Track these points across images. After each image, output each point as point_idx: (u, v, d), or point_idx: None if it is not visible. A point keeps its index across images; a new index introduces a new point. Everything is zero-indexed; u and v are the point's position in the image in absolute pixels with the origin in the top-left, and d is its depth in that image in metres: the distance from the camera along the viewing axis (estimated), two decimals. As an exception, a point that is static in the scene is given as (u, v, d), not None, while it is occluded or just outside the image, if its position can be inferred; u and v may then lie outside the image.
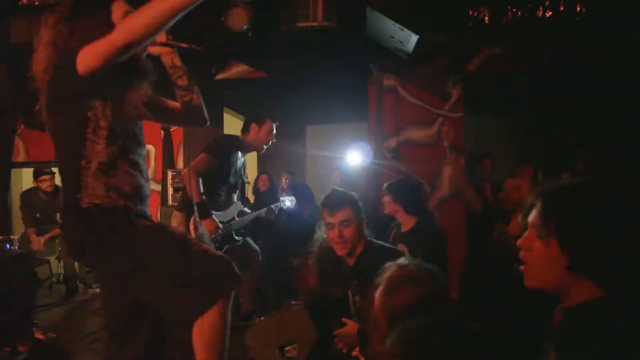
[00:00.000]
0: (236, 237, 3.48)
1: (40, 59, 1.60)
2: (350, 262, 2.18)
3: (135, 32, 1.43)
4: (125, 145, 1.64)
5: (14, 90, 4.57)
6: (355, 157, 4.99)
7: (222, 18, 4.02)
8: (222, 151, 3.33)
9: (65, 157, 1.63)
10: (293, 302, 3.10)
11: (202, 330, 1.61)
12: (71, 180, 1.60)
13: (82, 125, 1.56)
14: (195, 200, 3.08)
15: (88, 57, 1.48)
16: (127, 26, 1.44)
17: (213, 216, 3.21)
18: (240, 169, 3.58)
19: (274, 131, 3.49)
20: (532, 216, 1.06)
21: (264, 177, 5.62)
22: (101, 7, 1.61)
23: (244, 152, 3.58)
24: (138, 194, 1.66)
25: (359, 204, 2.15)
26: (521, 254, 1.08)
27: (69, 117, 1.59)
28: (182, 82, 1.83)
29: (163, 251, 1.60)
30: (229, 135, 3.67)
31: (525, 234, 1.08)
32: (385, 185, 3.17)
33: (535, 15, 4.03)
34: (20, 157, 5.66)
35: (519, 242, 1.08)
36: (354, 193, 2.22)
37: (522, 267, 1.09)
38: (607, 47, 4.09)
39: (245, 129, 3.49)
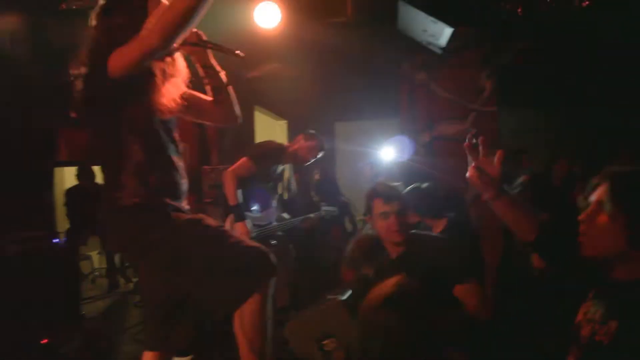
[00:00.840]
0: (272, 242, 3.50)
1: (81, 57, 1.64)
2: (395, 253, 2.15)
3: (165, 31, 1.44)
4: (161, 143, 1.67)
5: (55, 92, 4.76)
6: (389, 152, 4.95)
7: (253, 16, 4.09)
8: (264, 159, 3.34)
9: (103, 156, 1.68)
10: (329, 296, 3.12)
11: (243, 321, 1.64)
12: (110, 179, 1.65)
13: (118, 124, 1.60)
14: (230, 203, 3.13)
15: (119, 63, 1.50)
16: (157, 26, 1.45)
17: (248, 220, 3.23)
18: (279, 174, 3.60)
19: (319, 150, 3.49)
20: (598, 194, 1.19)
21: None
22: (138, 6, 1.62)
23: (286, 162, 3.58)
24: (175, 191, 1.70)
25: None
26: (582, 227, 1.21)
27: (105, 117, 1.63)
28: (215, 81, 1.84)
29: (200, 243, 1.63)
30: (274, 143, 3.62)
31: (589, 209, 1.20)
32: None
33: (572, 4, 3.94)
34: (62, 155, 5.88)
35: (581, 215, 1.21)
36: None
37: (581, 238, 1.21)
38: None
39: (293, 139, 3.52)
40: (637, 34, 3.82)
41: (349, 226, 6.09)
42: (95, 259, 5.62)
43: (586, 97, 4.85)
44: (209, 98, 1.88)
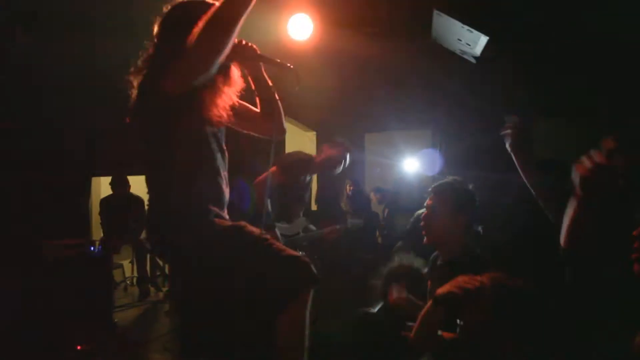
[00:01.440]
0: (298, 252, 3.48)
1: (139, 67, 1.69)
2: (442, 258, 2.15)
3: (208, 54, 1.47)
4: (210, 153, 1.71)
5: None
6: (412, 166, 4.88)
7: (285, 28, 4.12)
8: (293, 169, 3.34)
9: (151, 164, 1.71)
10: (362, 310, 3.07)
11: (282, 329, 1.63)
12: (157, 186, 1.69)
13: (170, 133, 1.64)
14: (259, 211, 3.13)
15: (170, 82, 1.53)
16: (200, 50, 1.46)
17: (276, 229, 3.24)
18: (308, 185, 3.60)
19: (343, 159, 3.47)
20: None
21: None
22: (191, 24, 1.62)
23: (314, 172, 3.58)
24: (219, 199, 1.73)
25: (461, 198, 2.08)
26: (637, 244, 1.09)
27: (157, 126, 1.66)
28: (266, 94, 1.87)
29: (242, 250, 1.63)
30: (302, 154, 3.59)
31: None
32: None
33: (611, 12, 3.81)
34: (98, 165, 6.05)
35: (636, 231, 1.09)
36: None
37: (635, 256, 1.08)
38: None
39: (319, 151, 3.52)
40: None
41: (378, 237, 6.05)
42: (127, 267, 5.71)
43: (621, 106, 4.68)
44: (257, 110, 1.92)
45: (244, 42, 1.77)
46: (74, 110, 4.35)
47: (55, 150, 4.47)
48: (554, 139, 5.23)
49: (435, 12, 3.35)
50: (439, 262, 2.20)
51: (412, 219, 3.27)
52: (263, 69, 1.86)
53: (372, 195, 5.81)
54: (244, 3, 1.43)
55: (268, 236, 1.89)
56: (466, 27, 3.26)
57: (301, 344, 1.65)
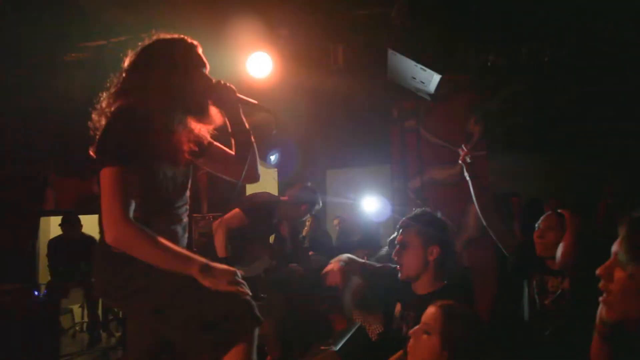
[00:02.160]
0: (261, 295, 3.40)
1: (102, 106, 1.66)
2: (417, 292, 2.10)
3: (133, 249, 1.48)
4: (167, 197, 1.64)
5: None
6: (372, 205, 4.97)
7: (245, 66, 4.18)
8: (256, 212, 3.21)
9: (104, 205, 1.64)
10: (322, 347, 2.99)
11: None
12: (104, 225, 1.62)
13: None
14: (219, 254, 3.03)
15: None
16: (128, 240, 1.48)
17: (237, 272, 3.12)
18: (273, 227, 3.52)
19: (311, 208, 3.44)
20: (615, 245, 1.04)
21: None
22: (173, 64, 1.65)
23: (280, 216, 3.47)
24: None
25: (431, 229, 2.04)
26: (601, 284, 1.05)
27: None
28: (242, 138, 1.81)
29: (182, 291, 1.56)
30: (267, 196, 3.50)
31: (608, 262, 1.05)
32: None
33: (553, 53, 4.08)
34: (49, 204, 5.78)
35: (598, 270, 1.05)
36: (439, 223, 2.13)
37: (601, 298, 1.06)
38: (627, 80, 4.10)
39: (290, 202, 3.41)
40: (619, 76, 3.95)
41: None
42: (76, 312, 5.38)
43: (573, 140, 4.96)
44: (231, 152, 1.85)
45: (222, 82, 1.75)
46: (21, 146, 4.18)
47: (2, 188, 4.25)
48: (510, 172, 5.46)
49: (390, 52, 3.48)
50: (416, 295, 2.13)
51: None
52: (242, 112, 1.81)
53: (334, 222, 5.78)
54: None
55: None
56: (419, 65, 3.40)
57: None
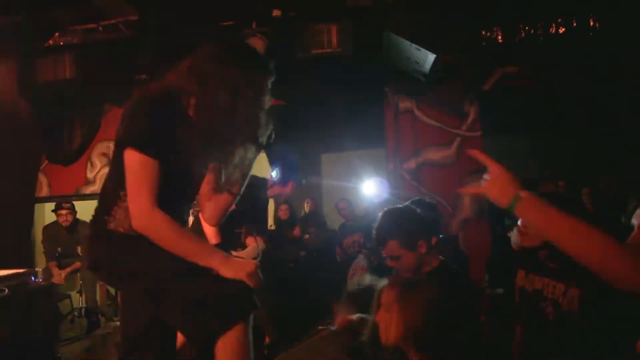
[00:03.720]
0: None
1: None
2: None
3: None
4: (181, 197, 1.65)
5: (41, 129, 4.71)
6: (370, 188, 4.98)
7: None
8: (244, 195, 3.25)
9: (108, 184, 1.64)
10: (320, 327, 3.01)
11: (223, 354, 1.57)
12: (105, 204, 1.61)
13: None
14: (212, 241, 3.03)
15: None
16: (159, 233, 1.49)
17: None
18: (263, 207, 3.51)
19: (296, 186, 3.42)
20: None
21: (284, 206, 5.67)
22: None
23: (268, 196, 3.48)
24: None
25: (410, 231, 2.02)
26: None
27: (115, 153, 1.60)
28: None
29: (179, 272, 1.56)
30: (253, 179, 3.56)
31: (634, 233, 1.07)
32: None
33: (548, 32, 4.06)
34: (43, 191, 5.74)
35: (629, 239, 1.08)
36: (411, 212, 2.10)
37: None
38: (621, 61, 4.10)
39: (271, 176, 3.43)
40: (615, 56, 3.94)
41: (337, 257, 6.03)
42: (74, 298, 5.39)
43: (568, 121, 4.97)
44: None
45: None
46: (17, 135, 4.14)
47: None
48: (502, 153, 5.47)
49: (385, 32, 3.45)
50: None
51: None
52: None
53: (340, 205, 5.78)
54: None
55: None
56: (414, 45, 3.37)
57: None
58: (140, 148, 1.45)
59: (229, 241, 3.19)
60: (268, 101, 1.63)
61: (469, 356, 1.51)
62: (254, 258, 3.36)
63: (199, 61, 1.56)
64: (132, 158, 1.46)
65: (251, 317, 1.61)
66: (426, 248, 2.02)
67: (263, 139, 1.66)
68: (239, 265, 1.54)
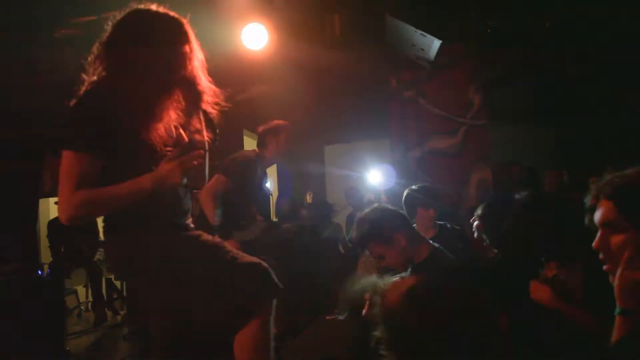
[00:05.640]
0: (261, 258, 3.37)
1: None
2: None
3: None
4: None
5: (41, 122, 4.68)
6: (376, 177, 4.95)
7: (240, 38, 4.08)
8: (238, 171, 3.13)
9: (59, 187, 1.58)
10: (328, 317, 3.00)
11: (244, 342, 1.56)
12: None
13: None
14: (212, 223, 3.00)
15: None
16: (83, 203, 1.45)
17: (233, 239, 3.10)
18: (260, 183, 3.47)
19: (291, 139, 3.36)
20: (604, 214, 1.05)
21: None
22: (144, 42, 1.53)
23: (265, 167, 3.44)
24: (175, 208, 1.63)
25: (380, 228, 2.02)
26: (601, 256, 1.06)
27: None
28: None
29: (197, 260, 1.56)
30: (245, 152, 3.46)
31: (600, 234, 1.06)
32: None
33: (554, 19, 4.00)
34: (47, 185, 5.73)
35: (594, 243, 1.06)
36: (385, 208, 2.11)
37: (606, 267, 1.06)
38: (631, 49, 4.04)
39: (262, 144, 3.32)
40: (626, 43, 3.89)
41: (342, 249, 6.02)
42: (80, 292, 5.40)
43: (575, 109, 4.92)
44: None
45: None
46: (19, 126, 4.12)
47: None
48: (508, 140, 5.42)
49: (389, 18, 3.40)
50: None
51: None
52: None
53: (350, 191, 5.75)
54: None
55: (225, 243, 1.82)
56: (419, 31, 3.32)
57: (266, 357, 1.57)
58: (64, 145, 1.45)
59: (231, 222, 3.15)
60: (195, 59, 1.56)
61: None
62: (257, 237, 3.33)
63: (114, 36, 1.53)
64: (64, 158, 1.45)
65: (274, 303, 1.59)
66: (405, 240, 2.02)
67: (198, 98, 1.60)
68: (166, 169, 1.48)
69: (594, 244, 1.07)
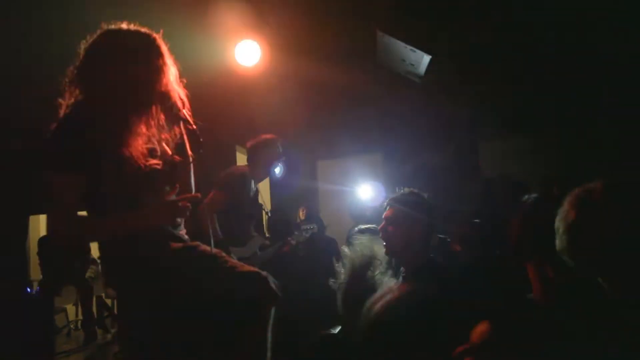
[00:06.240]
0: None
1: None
2: (405, 271, 2.10)
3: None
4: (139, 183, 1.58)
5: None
6: (366, 192, 4.97)
7: (234, 54, 4.13)
8: (234, 186, 3.17)
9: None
10: (322, 332, 2.98)
11: (244, 348, 1.55)
12: (104, 212, 1.59)
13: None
14: (212, 239, 2.99)
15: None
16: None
17: (231, 254, 3.11)
18: (254, 199, 3.49)
19: (279, 149, 3.40)
20: None
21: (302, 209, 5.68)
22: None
23: (257, 180, 3.48)
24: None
25: (421, 211, 2.07)
26: None
27: None
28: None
29: (197, 270, 1.56)
30: (238, 167, 3.52)
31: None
32: None
33: (540, 33, 4.09)
34: (38, 202, 5.69)
35: None
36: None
37: None
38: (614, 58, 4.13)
39: (251, 157, 3.37)
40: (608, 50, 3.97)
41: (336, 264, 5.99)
42: (70, 311, 5.32)
43: (565, 121, 4.99)
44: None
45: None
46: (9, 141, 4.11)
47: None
48: (499, 154, 5.48)
49: (379, 34, 3.46)
50: (402, 274, 2.17)
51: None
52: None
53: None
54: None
55: (222, 253, 1.82)
56: (409, 47, 3.39)
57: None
58: (48, 167, 1.47)
59: (233, 238, 3.16)
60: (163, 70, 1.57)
61: None
62: (254, 253, 3.34)
63: (80, 66, 1.55)
64: (46, 179, 1.47)
65: (272, 311, 1.60)
66: (420, 235, 2.04)
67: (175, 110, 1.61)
68: (160, 209, 1.54)
69: None
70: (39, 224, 5.86)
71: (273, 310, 1.61)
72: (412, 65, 3.70)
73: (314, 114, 5.46)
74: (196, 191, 1.71)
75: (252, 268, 1.68)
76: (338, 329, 2.64)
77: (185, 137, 1.66)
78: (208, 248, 1.68)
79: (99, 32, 1.57)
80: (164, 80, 1.57)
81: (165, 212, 1.53)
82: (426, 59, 3.46)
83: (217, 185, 3.11)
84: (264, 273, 1.63)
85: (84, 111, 1.48)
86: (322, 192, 7.60)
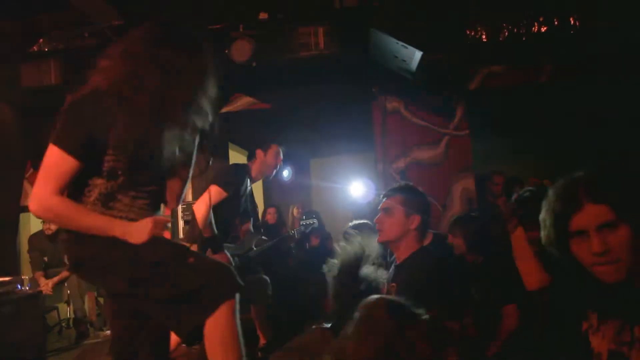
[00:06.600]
0: (257, 268, 3.39)
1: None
2: (398, 259, 2.15)
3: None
4: (126, 182, 1.60)
5: (23, 134, 4.65)
6: (357, 189, 5.00)
7: (226, 51, 4.13)
8: (232, 182, 3.21)
9: (38, 177, 1.60)
10: (314, 325, 3.00)
11: (212, 340, 1.56)
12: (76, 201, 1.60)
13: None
14: (206, 235, 3.01)
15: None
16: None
17: (225, 250, 3.12)
18: (249, 196, 3.51)
19: (281, 154, 3.45)
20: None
21: (272, 210, 5.65)
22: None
23: (253, 180, 3.50)
24: (142, 212, 1.64)
25: (417, 203, 2.12)
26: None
27: None
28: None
29: (160, 263, 1.57)
30: (236, 164, 3.57)
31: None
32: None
33: (530, 31, 4.13)
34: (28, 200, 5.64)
35: (597, 247, 1.07)
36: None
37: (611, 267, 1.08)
38: (604, 57, 4.18)
39: (252, 157, 3.43)
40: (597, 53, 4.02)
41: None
42: (62, 309, 5.28)
43: (554, 120, 5.05)
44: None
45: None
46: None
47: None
48: (491, 150, 5.54)
49: (372, 30, 3.48)
50: (394, 264, 2.20)
51: None
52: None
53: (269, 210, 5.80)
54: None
55: (187, 245, 1.83)
56: (401, 43, 3.41)
57: (236, 353, 1.57)
58: (57, 143, 1.48)
59: (224, 235, 3.17)
60: (209, 84, 1.61)
61: None
62: (249, 250, 3.35)
63: (132, 43, 1.56)
64: (50, 152, 1.49)
65: (237, 299, 1.60)
66: (416, 225, 2.09)
67: (203, 123, 1.65)
68: (139, 227, 1.56)
69: (596, 249, 1.07)
70: (29, 221, 5.82)
71: (237, 298, 1.59)
72: (404, 61, 3.72)
73: (306, 112, 5.47)
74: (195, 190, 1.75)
75: (215, 260, 1.76)
76: (332, 322, 2.66)
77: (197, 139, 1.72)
78: (172, 242, 1.77)
79: (154, 22, 1.59)
80: (200, 99, 1.59)
81: (144, 232, 1.55)
82: (418, 54, 3.49)
83: (215, 180, 3.13)
84: (227, 263, 1.66)
85: (108, 96, 1.50)
86: (315, 189, 7.64)
